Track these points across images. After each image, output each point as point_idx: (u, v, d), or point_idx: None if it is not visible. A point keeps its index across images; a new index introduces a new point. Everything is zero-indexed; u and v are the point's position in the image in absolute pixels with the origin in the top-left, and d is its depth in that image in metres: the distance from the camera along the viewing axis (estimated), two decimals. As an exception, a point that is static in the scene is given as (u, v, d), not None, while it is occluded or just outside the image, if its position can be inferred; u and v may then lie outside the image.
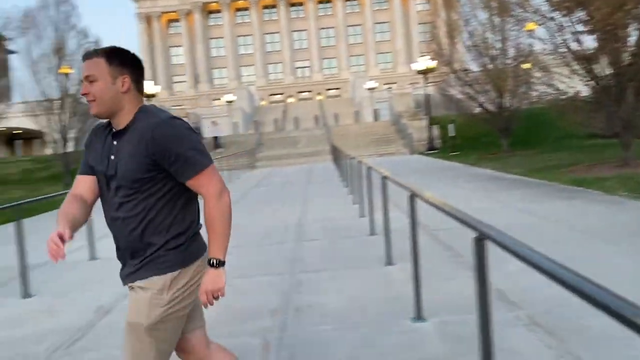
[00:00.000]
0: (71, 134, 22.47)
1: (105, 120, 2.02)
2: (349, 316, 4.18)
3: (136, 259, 1.98)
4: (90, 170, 2.04)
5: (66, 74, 22.13)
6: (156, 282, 1.94)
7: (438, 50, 23.18)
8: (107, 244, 7.68)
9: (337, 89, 72.88)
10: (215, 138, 28.22)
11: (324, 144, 29.33)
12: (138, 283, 1.96)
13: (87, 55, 1.94)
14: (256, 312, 4.46)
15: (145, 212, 1.93)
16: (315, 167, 22.17)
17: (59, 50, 21.45)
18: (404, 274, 5.16)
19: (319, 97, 67.60)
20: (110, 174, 1.93)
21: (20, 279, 5.48)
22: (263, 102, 66.09)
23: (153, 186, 1.91)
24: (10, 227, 10.88)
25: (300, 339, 3.80)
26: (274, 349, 3.65)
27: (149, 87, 26.29)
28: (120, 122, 1.94)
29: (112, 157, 1.93)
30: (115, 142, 1.94)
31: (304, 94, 73.06)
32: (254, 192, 14.93)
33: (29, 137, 41.94)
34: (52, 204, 13.30)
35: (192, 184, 1.93)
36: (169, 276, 1.95)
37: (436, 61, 25.18)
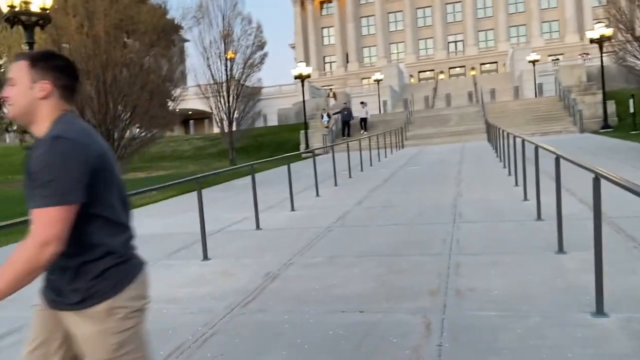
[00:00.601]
0: (235, 115, 24.54)
1: None
2: (515, 304, 3.94)
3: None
4: None
5: (231, 59, 24.11)
6: None
7: (617, 14, 20.40)
8: (269, 216, 8.27)
9: (493, 63, 68.57)
10: (363, 120, 28.47)
11: (478, 121, 27.91)
12: None
13: (16, 58, 1.85)
14: (414, 291, 4.44)
15: None
16: (468, 146, 21.23)
17: (227, 37, 23.45)
18: (578, 264, 4.71)
19: (472, 73, 64.32)
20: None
21: (202, 243, 6.15)
22: (412, 80, 64.94)
23: None
24: (186, 197, 12.38)
25: (462, 323, 3.69)
26: (436, 329, 3.60)
27: (302, 68, 27.46)
28: (38, 131, 1.77)
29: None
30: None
31: (456, 69, 70.11)
32: (404, 171, 14.81)
33: (200, 117, 46.80)
34: (222, 178, 14.76)
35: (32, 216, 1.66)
36: None
37: (613, 27, 22.22)
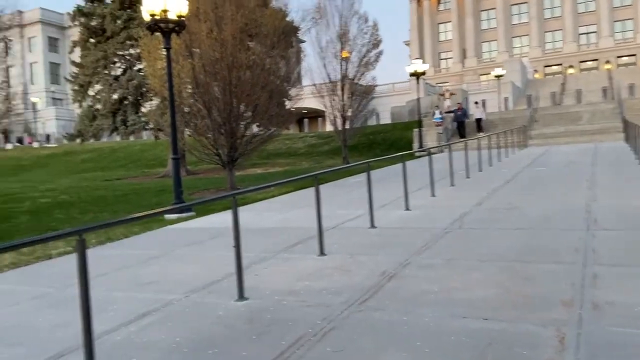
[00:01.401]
0: (348, 113, 24.74)
1: None
2: (666, 324, 3.48)
3: None
4: None
5: (346, 58, 24.34)
6: None
7: None
8: (383, 215, 8.19)
9: (631, 55, 61.83)
10: (478, 120, 27.04)
11: (614, 120, 25.29)
12: None
13: None
14: (544, 300, 4.11)
15: None
16: (601, 147, 19.34)
17: (343, 36, 23.72)
18: None
19: (607, 66, 58.51)
20: None
21: (318, 238, 6.27)
22: (537, 75, 60.71)
23: None
24: (300, 194, 12.75)
25: (601, 339, 3.34)
26: (571, 345, 3.29)
27: (417, 65, 26.89)
28: None
29: None
30: None
31: (587, 63, 64.25)
32: (528, 172, 13.86)
33: (314, 115, 47.97)
34: (335, 175, 14.98)
35: None
36: None
37: None
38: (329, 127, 35.81)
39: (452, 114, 28.13)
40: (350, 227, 7.97)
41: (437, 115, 27.25)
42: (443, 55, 75.11)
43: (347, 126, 25.12)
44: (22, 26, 67.63)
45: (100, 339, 3.38)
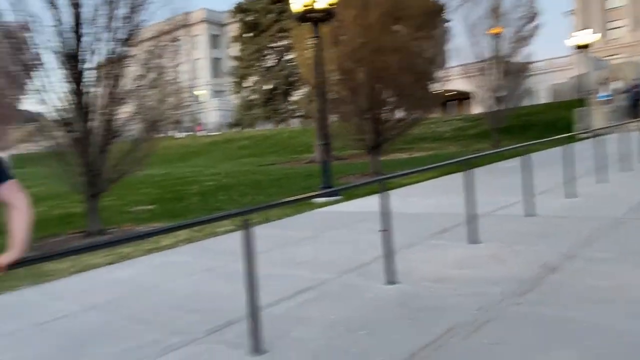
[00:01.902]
0: (501, 93, 23.27)
1: None
2: None
3: None
4: None
5: (498, 35, 22.84)
6: None
7: None
8: (541, 202, 7.57)
9: None
10: (636, 101, 23.28)
11: None
12: None
13: None
14: None
15: None
16: None
17: (495, 11, 22.29)
18: None
19: None
20: None
21: (467, 225, 6.03)
22: None
23: None
24: (446, 180, 12.33)
25: None
26: None
27: (582, 36, 24.21)
28: None
29: None
30: None
31: None
32: None
33: (460, 97, 46.03)
34: (485, 160, 14.23)
35: None
36: None
37: None
38: (476, 110, 34.08)
39: (626, 94, 24.84)
40: (503, 215, 7.53)
41: (604, 92, 24.30)
42: (610, 26, 66.60)
43: (499, 107, 23.66)
44: (188, 26, 75.33)
45: (263, 312, 3.66)
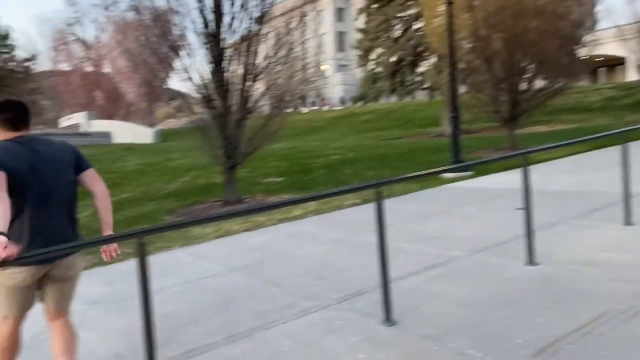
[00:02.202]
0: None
1: None
2: None
3: None
4: None
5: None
6: None
7: None
8: None
9: None
10: None
11: None
12: None
13: None
14: None
15: None
16: None
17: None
18: None
19: None
20: None
21: (623, 205, 5.40)
22: None
23: None
24: (595, 154, 11.14)
25: None
26: None
27: None
28: None
29: None
30: None
31: None
32: None
33: (613, 64, 41.08)
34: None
35: None
36: None
37: None
38: (633, 77, 30.19)
39: None
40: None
41: None
42: None
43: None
44: (315, 1, 76.45)
45: (391, 284, 3.64)
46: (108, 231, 2.93)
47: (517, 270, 4.34)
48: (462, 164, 7.81)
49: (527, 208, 4.47)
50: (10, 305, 2.69)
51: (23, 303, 2.72)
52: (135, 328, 3.90)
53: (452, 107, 10.88)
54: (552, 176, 9.06)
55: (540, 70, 13.61)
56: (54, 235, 2.62)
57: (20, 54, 51.95)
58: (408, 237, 5.86)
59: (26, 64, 52.23)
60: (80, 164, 2.84)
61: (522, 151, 4.77)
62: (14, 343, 2.80)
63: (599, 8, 23.53)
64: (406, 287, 4.21)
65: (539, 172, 9.58)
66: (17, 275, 2.59)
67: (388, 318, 3.52)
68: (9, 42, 51.27)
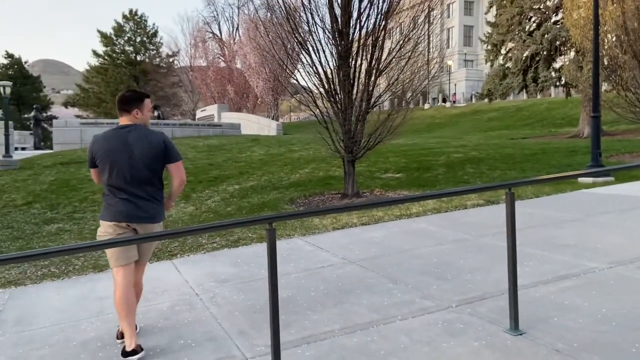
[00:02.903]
0: None
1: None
2: None
3: None
4: None
5: None
6: None
7: None
8: None
9: None
10: None
11: None
12: None
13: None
14: None
15: None
16: None
17: None
18: None
19: None
20: None
21: None
22: None
23: None
24: None
25: None
26: None
27: None
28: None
29: None
30: None
31: None
32: None
33: None
34: None
35: None
36: None
37: None
38: None
39: None
40: None
41: None
42: None
43: None
44: (443, -5, 74.22)
45: (519, 292, 3.43)
46: (171, 199, 3.80)
47: (669, 289, 3.86)
48: (602, 168, 7.08)
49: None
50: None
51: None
52: (259, 307, 4.13)
53: (593, 106, 9.91)
54: None
55: None
56: None
57: (164, 50, 57.44)
58: (538, 243, 5.48)
59: (170, 59, 57.58)
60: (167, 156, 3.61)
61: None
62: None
63: None
64: (535, 296, 3.95)
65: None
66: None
67: (515, 326, 3.33)
68: (155, 40, 56.87)
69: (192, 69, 55.93)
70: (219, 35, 58.53)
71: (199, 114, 45.35)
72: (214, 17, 60.20)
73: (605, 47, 13.08)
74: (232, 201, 10.30)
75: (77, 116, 50.18)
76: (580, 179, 9.34)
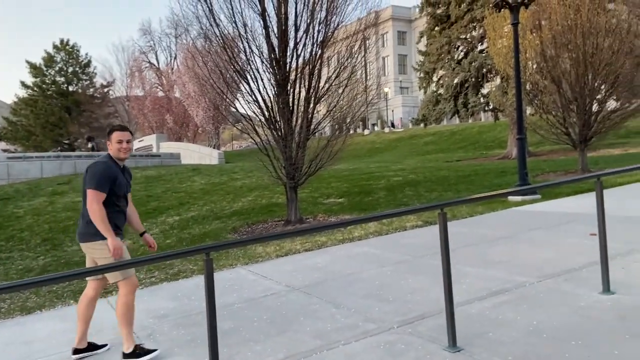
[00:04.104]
0: None
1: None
2: None
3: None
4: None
5: None
6: None
7: None
8: None
9: None
10: None
11: None
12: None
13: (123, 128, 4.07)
14: None
15: None
16: None
17: None
18: None
19: None
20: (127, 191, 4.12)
21: None
22: None
23: None
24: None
25: None
26: None
27: None
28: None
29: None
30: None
31: None
32: None
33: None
34: None
35: None
36: None
37: None
38: None
39: None
40: None
41: None
42: None
43: None
44: (377, 25, 77.06)
45: (456, 309, 3.55)
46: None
47: (591, 298, 4.11)
48: (529, 187, 7.50)
49: (602, 233, 4.24)
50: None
51: None
52: (199, 341, 4.02)
53: (518, 129, 10.55)
54: (628, 201, 8.56)
55: (614, 91, 12.96)
56: None
57: (98, 80, 55.77)
58: (473, 261, 5.70)
59: (104, 89, 55.93)
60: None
61: (595, 173, 4.55)
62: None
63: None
64: (471, 313, 4.09)
65: (613, 197, 9.09)
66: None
67: (453, 343, 3.42)
68: (88, 70, 55.18)
69: (129, 99, 54.61)
70: (156, 64, 57.71)
71: (137, 144, 44.17)
72: (151, 46, 59.25)
73: (527, 73, 14.00)
74: (172, 233, 10.03)
75: (4, 150, 47.49)
76: (510, 198, 9.83)
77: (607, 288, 4.17)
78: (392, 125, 59.91)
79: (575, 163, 14.20)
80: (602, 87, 12.89)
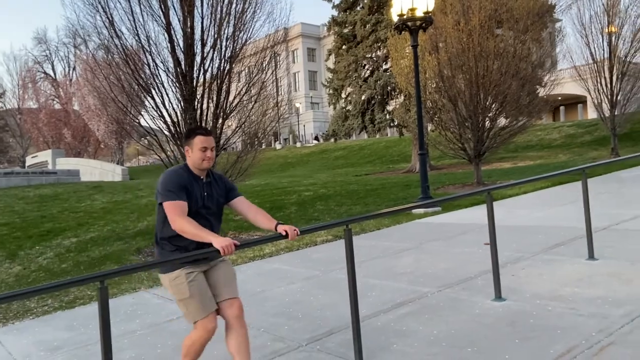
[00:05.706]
0: (618, 97, 21.33)
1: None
2: None
3: None
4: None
5: (615, 33, 21.02)
6: None
7: None
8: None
9: None
10: None
11: None
12: None
13: (208, 132, 3.20)
14: None
15: None
16: None
17: (612, 8, 20.50)
18: None
19: None
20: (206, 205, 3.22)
21: (585, 240, 5.56)
22: None
23: None
24: (558, 190, 11.53)
25: None
26: None
27: None
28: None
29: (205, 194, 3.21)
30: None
31: None
32: None
33: (572, 102, 42.91)
34: (603, 169, 13.12)
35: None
36: None
37: None
38: (591, 115, 31.51)
39: None
40: (627, 230, 6.86)
41: None
42: None
43: (617, 112, 21.70)
44: (287, 41, 77.96)
45: (363, 322, 3.63)
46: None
47: (485, 306, 4.39)
48: (429, 201, 7.90)
49: (493, 243, 4.56)
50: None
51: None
52: (97, 375, 3.75)
53: (419, 144, 11.12)
54: (517, 211, 9.29)
55: (503, 109, 14.12)
56: None
57: (-14, 91, 51.09)
58: (380, 273, 5.87)
59: (-8, 101, 51.27)
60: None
61: (485, 188, 4.90)
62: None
63: (558, 49, 24.72)
64: (377, 325, 4.19)
65: (504, 207, 9.84)
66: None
67: (359, 357, 3.48)
68: (-26, 79, 50.32)
69: (21, 112, 50.50)
70: (52, 75, 53.97)
71: (30, 160, 40.84)
72: (47, 56, 55.29)
73: (427, 92, 14.85)
74: (69, 256, 9.33)
75: None
76: (414, 210, 10.28)
77: (499, 295, 4.47)
78: (317, 138, 60.60)
79: (472, 176, 15.21)
80: (493, 105, 13.98)
